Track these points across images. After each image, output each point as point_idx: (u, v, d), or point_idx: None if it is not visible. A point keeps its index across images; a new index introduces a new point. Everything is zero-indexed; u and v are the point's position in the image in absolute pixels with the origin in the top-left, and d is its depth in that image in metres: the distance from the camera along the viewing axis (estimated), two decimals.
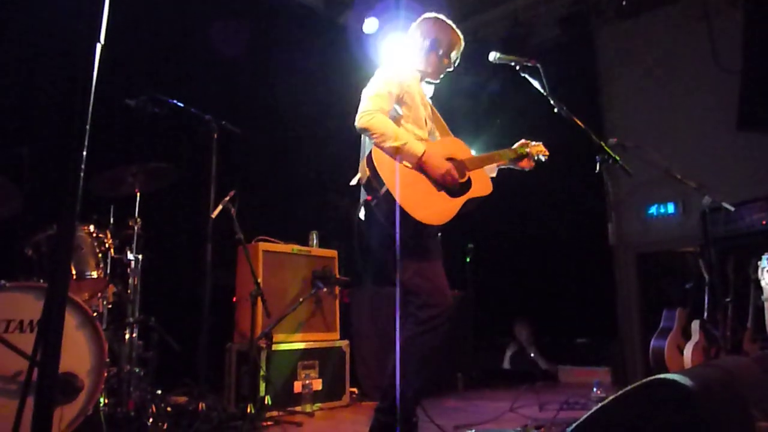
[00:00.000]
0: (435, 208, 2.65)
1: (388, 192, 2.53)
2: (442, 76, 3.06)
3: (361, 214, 2.77)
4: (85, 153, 1.24)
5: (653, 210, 6.05)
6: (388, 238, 2.58)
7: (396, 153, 2.62)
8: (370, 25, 6.05)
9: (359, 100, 2.75)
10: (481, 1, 6.68)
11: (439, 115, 3.07)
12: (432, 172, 2.67)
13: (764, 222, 4.64)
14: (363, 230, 2.81)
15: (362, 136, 2.83)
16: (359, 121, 2.68)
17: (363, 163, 2.70)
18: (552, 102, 2.85)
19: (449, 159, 2.79)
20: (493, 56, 2.96)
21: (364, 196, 2.72)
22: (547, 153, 3.12)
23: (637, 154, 4.41)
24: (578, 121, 2.86)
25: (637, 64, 6.28)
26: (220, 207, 3.60)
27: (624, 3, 6.13)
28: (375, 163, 2.58)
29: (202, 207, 3.68)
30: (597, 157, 3.00)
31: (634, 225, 6.16)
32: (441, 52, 2.96)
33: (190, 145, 4.38)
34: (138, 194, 3.48)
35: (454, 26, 3.03)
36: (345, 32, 6.21)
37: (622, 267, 6.15)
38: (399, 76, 2.81)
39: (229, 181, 3.80)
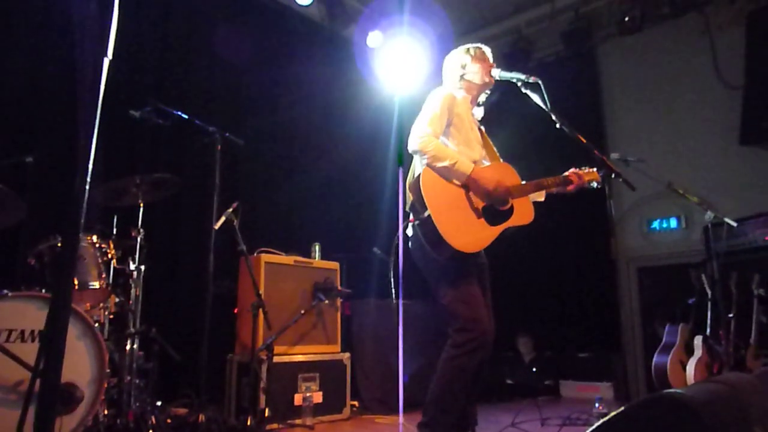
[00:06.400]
0: (472, 236, 2.71)
1: (429, 216, 2.60)
2: (489, 84, 3.07)
3: (409, 231, 2.84)
4: (90, 165, 1.24)
5: (656, 224, 6.04)
6: (429, 258, 2.70)
7: (447, 172, 2.71)
8: (374, 39, 6.09)
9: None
10: (484, 16, 6.74)
11: (489, 139, 3.12)
12: (480, 189, 2.73)
13: (767, 237, 4.64)
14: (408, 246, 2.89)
15: (413, 158, 2.91)
16: (413, 144, 2.76)
17: (410, 184, 2.79)
18: (553, 117, 2.86)
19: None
20: (495, 73, 2.99)
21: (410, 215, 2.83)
22: (600, 179, 3.08)
23: (640, 169, 4.41)
24: (580, 137, 2.87)
25: (640, 78, 6.31)
26: (222, 218, 3.61)
27: (626, 18, 6.17)
28: (422, 187, 2.66)
29: (204, 218, 3.69)
30: (599, 171, 3.01)
31: (636, 239, 6.16)
32: (475, 64, 3.03)
33: (193, 157, 4.40)
34: (141, 205, 3.49)
35: (472, 45, 3.12)
36: (349, 46, 6.26)
37: (624, 281, 6.14)
38: (448, 100, 2.88)
39: (232, 192, 3.81)
